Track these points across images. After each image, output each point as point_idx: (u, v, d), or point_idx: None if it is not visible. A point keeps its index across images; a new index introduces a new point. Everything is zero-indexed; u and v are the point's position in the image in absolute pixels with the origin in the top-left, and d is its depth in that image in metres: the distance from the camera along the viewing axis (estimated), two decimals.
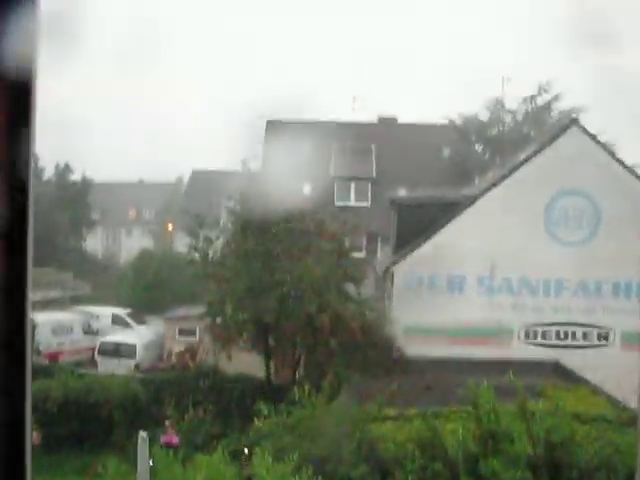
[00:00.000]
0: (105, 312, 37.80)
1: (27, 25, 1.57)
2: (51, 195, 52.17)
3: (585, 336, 22.49)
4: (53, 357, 28.51)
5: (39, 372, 22.78)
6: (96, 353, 30.10)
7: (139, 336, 31.85)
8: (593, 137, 23.70)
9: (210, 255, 22.66)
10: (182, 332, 31.51)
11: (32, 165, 1.65)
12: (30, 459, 1.71)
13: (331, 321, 19.91)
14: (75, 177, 59.15)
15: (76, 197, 57.16)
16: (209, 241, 22.74)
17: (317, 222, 22.45)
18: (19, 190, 1.61)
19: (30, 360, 1.69)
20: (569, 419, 13.16)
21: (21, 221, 1.62)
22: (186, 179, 77.85)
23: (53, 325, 30.82)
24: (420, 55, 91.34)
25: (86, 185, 59.61)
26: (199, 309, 24.71)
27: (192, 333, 30.60)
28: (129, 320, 37.06)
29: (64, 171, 58.29)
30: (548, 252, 22.19)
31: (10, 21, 1.54)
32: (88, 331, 33.28)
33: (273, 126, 38.05)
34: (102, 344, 30.44)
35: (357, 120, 40.90)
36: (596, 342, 22.43)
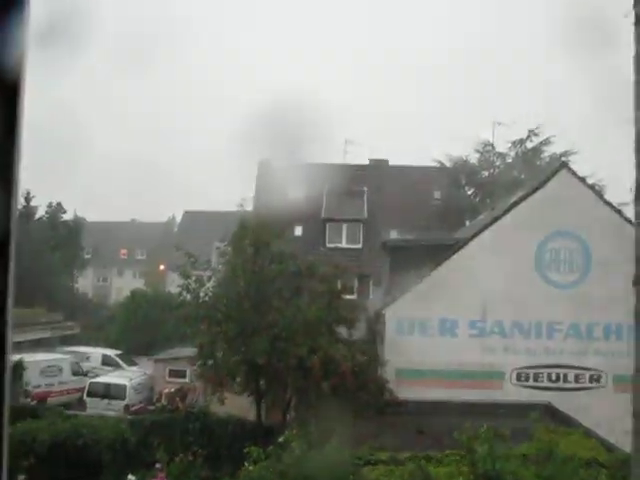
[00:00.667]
0: (95, 353, 37.62)
1: (16, 28, 1.55)
2: (43, 234, 52.14)
3: (577, 378, 22.44)
4: (41, 398, 28.23)
5: (27, 413, 22.54)
6: (85, 394, 29.85)
7: (129, 377, 31.63)
8: (582, 180, 24.01)
9: (201, 296, 22.63)
10: (172, 373, 31.31)
11: (19, 175, 1.63)
12: (7, 457, 1.68)
13: (322, 363, 19.83)
14: (67, 216, 59.25)
15: (68, 236, 57.11)
16: (200, 282, 22.72)
17: (309, 264, 22.50)
18: (3, 201, 1.60)
19: (9, 361, 1.66)
20: (575, 467, 13.10)
21: (5, 226, 1.61)
22: (178, 219, 78.03)
23: (42, 366, 30.61)
24: (411, 99, 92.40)
25: (78, 224, 59.62)
26: (190, 350, 24.59)
27: (182, 375, 30.41)
28: (119, 361, 36.86)
29: (56, 210, 58.31)
30: (539, 294, 22.24)
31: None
32: (77, 372, 33.04)
33: (264, 167, 38.26)
34: (91, 385, 30.22)
35: (349, 162, 41.25)
36: (588, 384, 22.38)
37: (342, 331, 22.19)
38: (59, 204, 58.43)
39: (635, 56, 2.89)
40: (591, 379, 22.37)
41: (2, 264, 1.61)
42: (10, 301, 1.62)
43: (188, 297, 22.77)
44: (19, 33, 1.57)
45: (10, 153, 1.59)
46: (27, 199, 54.07)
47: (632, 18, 2.89)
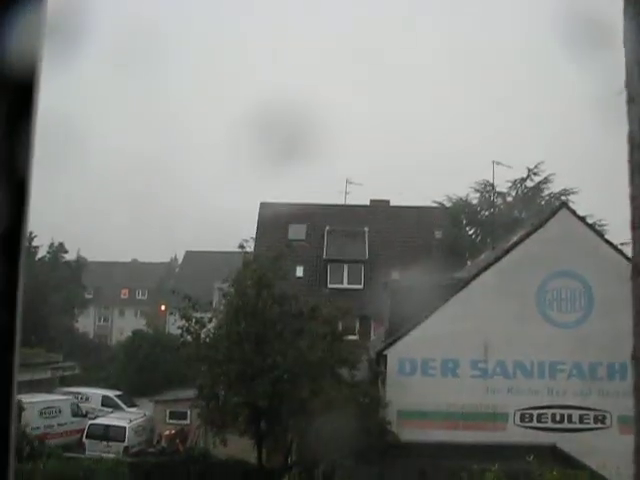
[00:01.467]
0: (95, 394, 37.36)
1: (33, 24, 1.51)
2: (44, 274, 52.12)
3: (581, 419, 22.22)
4: (40, 439, 27.91)
5: (24, 455, 22.29)
6: (84, 436, 29.54)
7: (129, 419, 31.33)
8: (582, 219, 24.11)
9: (202, 337, 22.54)
10: (173, 415, 31.06)
11: (31, 173, 1.58)
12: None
13: (324, 406, 19.66)
14: (69, 256, 59.33)
15: (70, 276, 57.13)
16: (201, 323, 22.65)
17: (311, 305, 22.48)
18: (16, 204, 1.56)
19: (15, 402, 1.61)
20: None
21: (17, 220, 1.56)
22: (180, 259, 78.06)
23: (41, 407, 30.35)
24: (412, 139, 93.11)
25: (80, 264, 59.68)
26: (190, 392, 24.42)
27: (183, 416, 30.15)
28: (119, 402, 36.59)
29: (58, 250, 58.41)
30: (542, 334, 22.13)
31: (15, 20, 1.49)
32: (77, 413, 32.78)
33: (266, 208, 38.44)
34: (91, 426, 29.91)
35: (350, 203, 41.47)
36: (593, 425, 22.15)
37: (344, 372, 22.05)
38: (61, 244, 58.57)
39: (629, 136, 2.91)
40: (596, 419, 22.14)
41: (10, 302, 1.56)
42: (17, 340, 1.59)
43: (189, 338, 22.70)
44: (36, 29, 1.54)
45: (23, 151, 1.56)
46: (29, 239, 54.22)
47: (624, 96, 2.91)
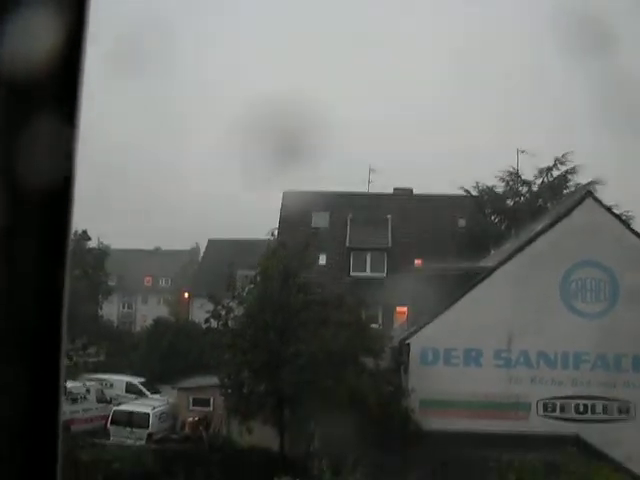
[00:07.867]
0: (119, 380, 37.63)
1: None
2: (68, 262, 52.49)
3: (605, 410, 22.05)
4: (65, 425, 28.23)
5: None
6: (109, 422, 29.80)
7: (152, 405, 31.56)
8: (608, 209, 23.84)
9: (229, 324, 22.63)
10: (196, 402, 31.20)
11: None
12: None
13: (348, 395, 19.70)
14: (92, 244, 59.70)
15: (93, 264, 57.49)
16: (230, 309, 22.68)
17: (335, 295, 22.52)
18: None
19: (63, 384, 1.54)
20: None
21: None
22: (202, 246, 78.18)
23: (66, 392, 30.61)
24: (434, 125, 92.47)
25: (103, 252, 60.06)
26: (213, 379, 24.54)
27: (206, 403, 30.30)
28: (143, 389, 36.86)
29: (81, 238, 58.77)
30: (566, 324, 21.97)
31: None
32: (102, 399, 33.08)
33: (289, 196, 38.45)
34: (115, 413, 30.15)
35: (373, 191, 41.34)
36: (617, 416, 21.96)
37: (369, 361, 22.07)
38: (84, 231, 58.90)
39: None
40: (620, 411, 21.95)
41: (57, 300, 1.51)
42: (63, 336, 1.53)
43: (215, 324, 22.81)
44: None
45: (67, 144, 1.51)
46: None
47: None
